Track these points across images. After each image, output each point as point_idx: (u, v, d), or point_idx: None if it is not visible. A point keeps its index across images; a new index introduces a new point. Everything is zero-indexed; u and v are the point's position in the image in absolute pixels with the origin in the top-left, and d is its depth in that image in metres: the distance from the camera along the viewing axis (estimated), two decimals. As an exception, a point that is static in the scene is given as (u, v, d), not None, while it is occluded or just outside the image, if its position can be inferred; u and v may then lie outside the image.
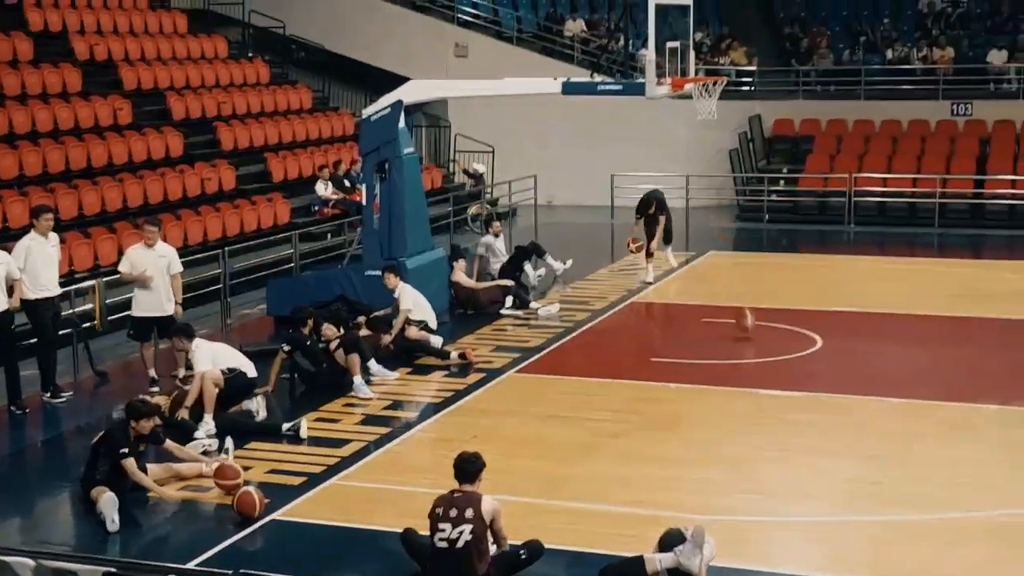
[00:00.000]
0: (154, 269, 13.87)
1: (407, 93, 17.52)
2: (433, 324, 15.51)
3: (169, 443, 10.86)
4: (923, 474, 10.99)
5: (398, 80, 20.50)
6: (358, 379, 13.54)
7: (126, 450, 10.29)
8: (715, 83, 17.42)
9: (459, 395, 13.62)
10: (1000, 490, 10.53)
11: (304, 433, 11.99)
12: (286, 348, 13.72)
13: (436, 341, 15.19)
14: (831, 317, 17.07)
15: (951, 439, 12.02)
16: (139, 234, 14.79)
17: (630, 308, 18.15)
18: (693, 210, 26.20)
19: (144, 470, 10.54)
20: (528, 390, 13.95)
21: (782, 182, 27.72)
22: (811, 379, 14.00)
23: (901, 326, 16.53)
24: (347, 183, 22.91)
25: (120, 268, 14.28)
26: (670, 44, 16.58)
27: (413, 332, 15.14)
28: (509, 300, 17.71)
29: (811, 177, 27.21)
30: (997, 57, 29.26)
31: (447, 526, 8.42)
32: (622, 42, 22.62)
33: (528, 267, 19.18)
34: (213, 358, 12.44)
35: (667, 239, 20.58)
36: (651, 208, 20.02)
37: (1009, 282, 17.17)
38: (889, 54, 30.32)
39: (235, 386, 12.46)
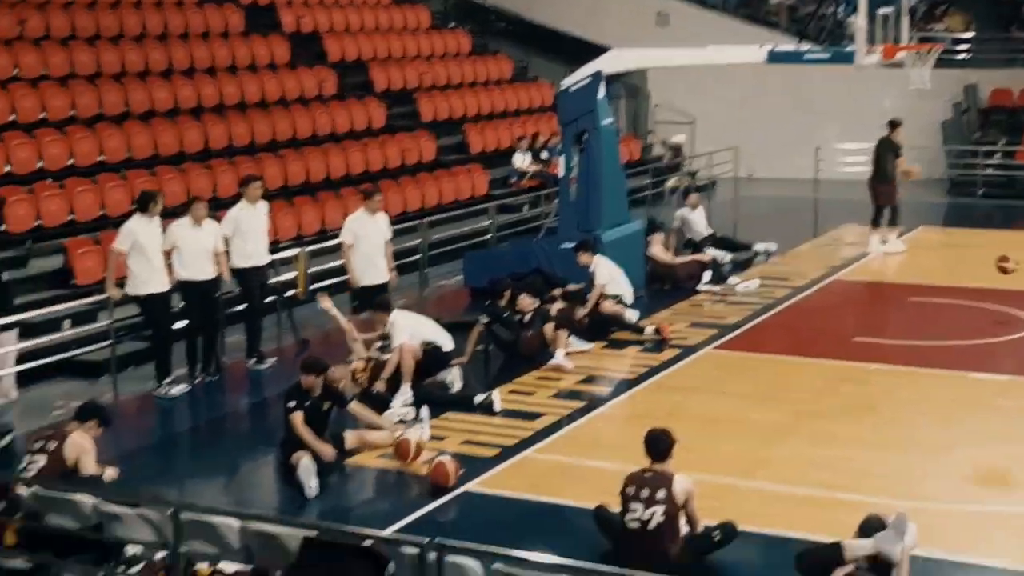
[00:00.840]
0: (375, 237, 14.07)
1: (607, 63, 17.34)
2: (629, 298, 15.34)
3: (354, 405, 11.01)
4: None
5: (598, 50, 20.33)
6: (560, 352, 13.51)
7: (293, 404, 10.49)
8: (929, 51, 16.72)
9: (653, 371, 13.45)
10: None
11: (498, 406, 12.02)
12: (484, 320, 13.78)
13: (631, 316, 15.02)
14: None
15: None
16: (358, 201, 15.02)
17: (833, 285, 17.63)
18: (901, 184, 25.28)
19: (340, 437, 10.73)
20: (724, 367, 13.69)
21: (998, 155, 26.52)
22: (1023, 363, 13.34)
23: None
24: (545, 155, 22.90)
25: (342, 238, 14.35)
26: (882, 10, 15.98)
27: (608, 306, 15.01)
28: (707, 275, 17.40)
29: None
30: None
31: (639, 507, 8.31)
32: (831, 9, 21.93)
33: (724, 254, 18.69)
34: (411, 331, 12.58)
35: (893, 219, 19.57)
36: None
37: None
38: (1119, 20, 28.66)
39: (432, 359, 12.58)
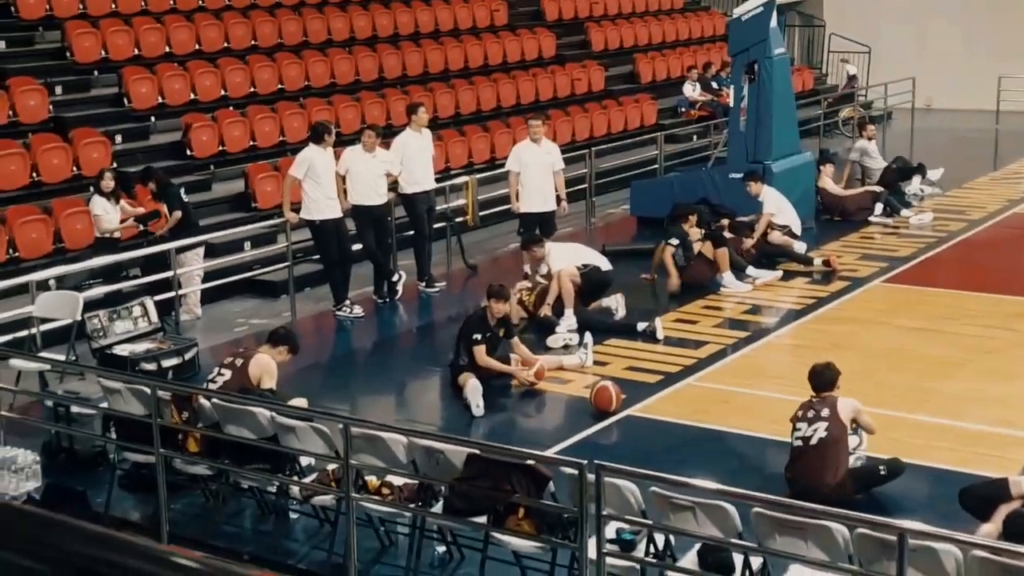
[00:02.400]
0: (538, 165, 14.15)
1: (780, -9, 17.05)
2: (797, 229, 15.18)
3: (515, 341, 11.15)
4: None
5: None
6: (728, 275, 13.56)
7: (479, 336, 10.73)
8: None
9: (821, 302, 13.34)
10: None
11: (660, 333, 12.11)
12: (673, 242, 13.84)
13: (800, 247, 14.89)
14: None
15: None
16: (523, 130, 15.13)
17: (1012, 219, 17.13)
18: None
19: (507, 359, 10.97)
20: (894, 300, 13.49)
21: None
22: None
23: None
24: (715, 85, 22.66)
25: (509, 166, 14.42)
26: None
27: (776, 236, 14.91)
28: (879, 207, 17.08)
29: None
30: None
31: (803, 425, 8.42)
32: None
33: (916, 183, 18.25)
34: (568, 257, 12.71)
35: None
36: None
37: None
38: None
39: (592, 281, 12.72)
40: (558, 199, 14.31)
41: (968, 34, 27.26)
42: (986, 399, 10.40)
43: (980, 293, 13.67)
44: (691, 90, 22.65)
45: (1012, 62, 26.17)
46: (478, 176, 16.34)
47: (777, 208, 15.09)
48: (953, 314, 12.87)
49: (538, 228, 13.95)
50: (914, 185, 18.25)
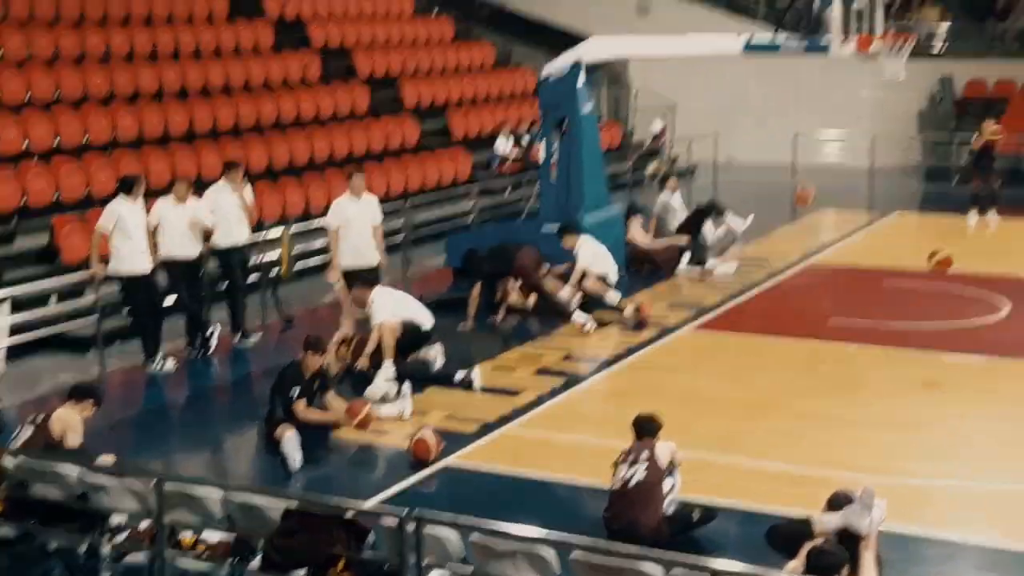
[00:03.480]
0: (362, 219, 13.98)
1: (587, 51, 17.51)
2: (613, 278, 15.50)
3: (331, 394, 11.06)
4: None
5: (579, 37, 20.51)
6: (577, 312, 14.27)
7: (296, 389, 10.64)
8: (903, 42, 16.92)
9: (633, 350, 13.66)
10: None
11: (479, 383, 12.20)
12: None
13: (613, 296, 15.19)
14: (1021, 284, 16.50)
15: None
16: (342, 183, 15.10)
17: (810, 268, 17.87)
18: (878, 171, 25.59)
19: (325, 408, 10.88)
20: (703, 347, 13.90)
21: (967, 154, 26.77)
22: (997, 345, 13.56)
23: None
24: (527, 140, 23.06)
25: (330, 221, 14.11)
26: (857, 2, 16.17)
27: (591, 285, 15.16)
28: (686, 258, 17.62)
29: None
30: None
31: (623, 468, 8.61)
32: (808, -1, 22.13)
33: (708, 225, 18.86)
34: (392, 309, 12.71)
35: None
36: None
37: None
38: (1094, 11, 28.95)
39: (412, 336, 12.72)
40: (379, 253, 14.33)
41: (767, 92, 28.41)
42: (792, 440, 10.78)
43: (783, 338, 14.18)
44: (503, 145, 22.99)
45: (807, 119, 27.39)
46: (293, 228, 16.23)
47: (593, 258, 15.39)
48: (759, 359, 13.32)
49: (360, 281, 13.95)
50: (711, 236, 18.67)
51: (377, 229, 14.15)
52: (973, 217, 20.95)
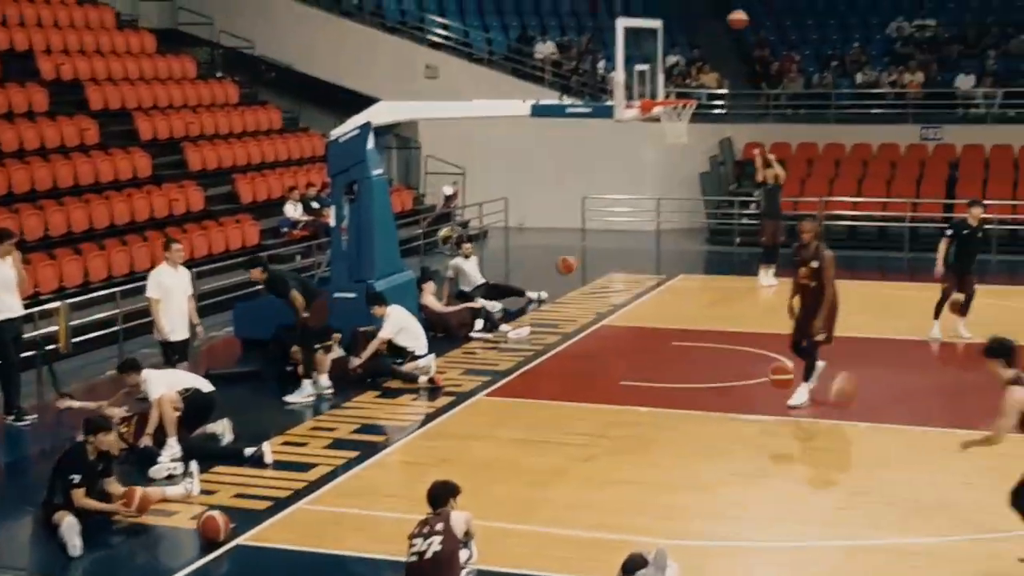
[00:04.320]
0: (180, 289, 13.69)
1: (376, 114, 17.44)
2: (422, 349, 15.31)
3: (111, 479, 10.54)
4: (894, 499, 10.93)
5: (368, 101, 20.43)
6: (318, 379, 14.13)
7: (76, 476, 10.12)
8: (684, 106, 17.40)
9: (428, 419, 13.53)
10: (972, 516, 10.47)
11: (269, 458, 11.86)
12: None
13: (427, 363, 14.99)
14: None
15: (924, 464, 11.98)
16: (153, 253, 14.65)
17: (601, 331, 18.09)
18: (664, 233, 26.28)
19: (106, 494, 10.37)
20: (497, 413, 13.86)
21: (753, 205, 27.75)
22: (782, 404, 13.92)
23: (873, 350, 16.50)
24: (316, 205, 22.80)
25: (148, 294, 13.76)
26: (639, 67, 16.58)
27: (409, 367, 14.94)
28: (479, 323, 17.63)
29: (782, 200, 27.21)
30: (965, 82, 29.46)
31: (419, 540, 8.46)
32: (593, 64, 22.65)
33: (495, 304, 18.81)
34: (167, 382, 12.26)
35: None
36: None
37: (976, 308, 17.23)
38: (859, 78, 30.46)
39: (196, 405, 12.29)
40: (193, 324, 13.90)
41: (555, 156, 28.85)
42: (588, 505, 10.79)
43: (577, 403, 14.26)
44: (292, 210, 22.67)
45: (595, 182, 27.94)
46: (70, 301, 15.55)
47: (397, 329, 15.19)
48: (553, 424, 13.35)
49: (177, 355, 13.56)
50: (495, 308, 18.71)
51: (191, 300, 13.79)
52: (764, 274, 21.50)
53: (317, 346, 14.42)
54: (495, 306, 18.54)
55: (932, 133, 28.31)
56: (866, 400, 13.48)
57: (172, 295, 13.65)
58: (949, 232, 17.03)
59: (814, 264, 13.32)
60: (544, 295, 19.80)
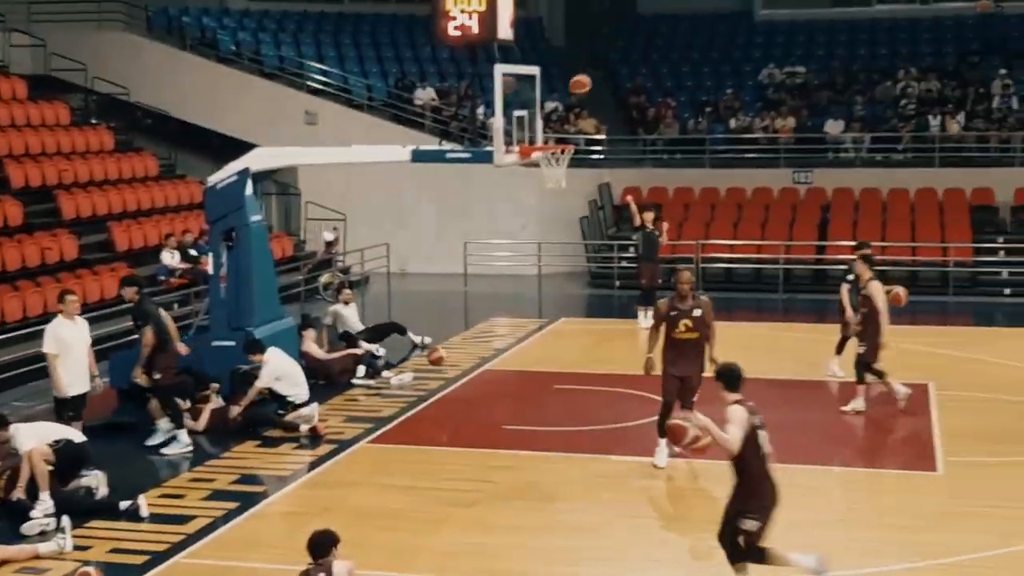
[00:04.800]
0: (80, 343, 13.33)
1: (254, 161, 17.31)
2: (303, 396, 15.10)
3: None
4: (770, 539, 11.07)
5: (246, 147, 20.27)
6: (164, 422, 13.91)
7: None
8: (563, 152, 17.60)
9: (309, 467, 13.40)
10: (852, 553, 10.68)
11: (144, 511, 11.62)
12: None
13: (309, 413, 14.82)
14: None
15: (796, 502, 12.17)
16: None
17: (482, 376, 18.12)
18: (545, 277, 26.47)
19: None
20: (380, 461, 13.77)
21: (632, 249, 28.09)
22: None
23: (748, 390, 16.72)
24: (194, 252, 22.51)
25: (46, 349, 13.25)
26: (517, 113, 16.73)
27: (291, 416, 14.75)
28: (361, 370, 17.53)
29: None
30: (834, 127, 30.32)
31: (302, 594, 8.34)
32: (472, 110, 22.80)
33: (379, 347, 18.69)
34: (37, 436, 11.95)
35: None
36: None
37: (850, 347, 17.63)
38: (732, 123, 31.14)
39: (68, 457, 11.99)
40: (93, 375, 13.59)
41: (437, 201, 28.93)
42: (469, 552, 10.77)
43: (459, 448, 14.25)
44: (170, 258, 22.34)
45: (476, 227, 28.07)
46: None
47: (283, 376, 14.99)
48: (435, 470, 13.31)
49: (72, 412, 13.16)
50: (379, 352, 18.59)
51: (90, 352, 13.52)
52: (642, 316, 21.73)
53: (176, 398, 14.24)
54: (380, 350, 18.44)
55: (803, 177, 29.05)
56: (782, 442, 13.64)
57: (72, 349, 13.22)
58: (850, 278, 17.03)
59: (696, 313, 13.20)
60: (428, 340, 19.79)
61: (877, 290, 15.41)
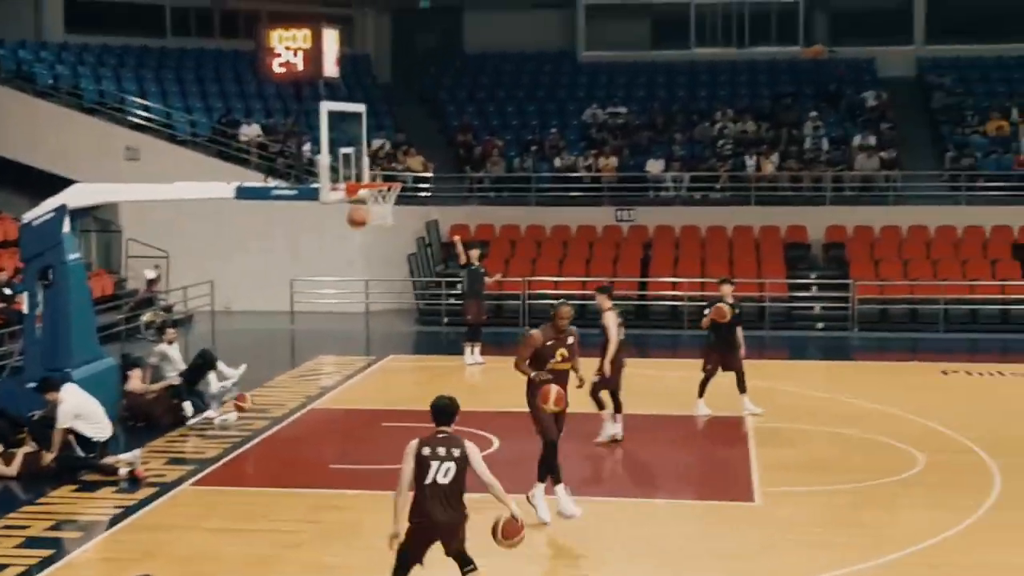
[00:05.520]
0: None
1: (72, 197, 16.91)
2: (104, 433, 14.67)
3: None
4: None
5: (65, 183, 19.74)
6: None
7: None
8: (389, 189, 17.65)
9: (129, 511, 13.05)
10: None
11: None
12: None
13: (131, 457, 14.40)
14: (508, 418, 17.35)
15: (632, 535, 12.39)
16: None
17: (310, 415, 17.96)
18: (373, 314, 26.42)
19: None
20: (203, 503, 13.51)
21: (459, 285, 28.23)
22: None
23: (577, 424, 16.95)
24: (8, 291, 21.76)
25: None
26: (344, 150, 16.74)
27: (110, 460, 14.35)
28: (189, 408, 17.13)
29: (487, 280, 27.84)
30: (654, 166, 31.08)
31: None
32: (298, 146, 22.73)
33: (212, 376, 18.35)
34: None
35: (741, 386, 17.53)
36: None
37: (669, 380, 18.05)
38: (557, 162, 31.65)
39: None
40: None
41: (260, 240, 28.60)
42: (297, 593, 10.66)
43: (287, 488, 14.08)
44: (-18, 297, 21.56)
45: (303, 264, 27.86)
46: None
47: (76, 415, 14.53)
48: (261, 511, 13.13)
49: None
50: (214, 385, 18.31)
51: None
52: (468, 352, 21.89)
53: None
54: (227, 382, 18.02)
55: (626, 215, 29.71)
56: (572, 473, 13.88)
57: None
58: (707, 312, 17.43)
59: (570, 341, 13.01)
60: (243, 368, 19.25)
61: (611, 320, 15.99)
